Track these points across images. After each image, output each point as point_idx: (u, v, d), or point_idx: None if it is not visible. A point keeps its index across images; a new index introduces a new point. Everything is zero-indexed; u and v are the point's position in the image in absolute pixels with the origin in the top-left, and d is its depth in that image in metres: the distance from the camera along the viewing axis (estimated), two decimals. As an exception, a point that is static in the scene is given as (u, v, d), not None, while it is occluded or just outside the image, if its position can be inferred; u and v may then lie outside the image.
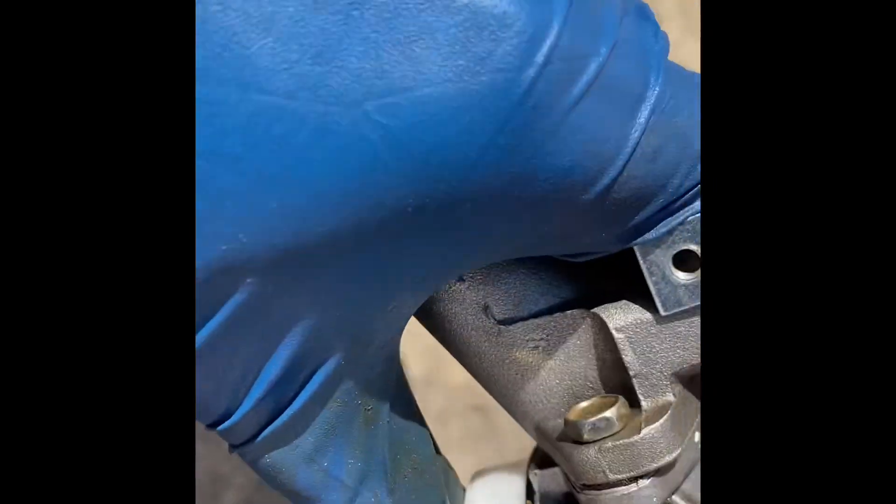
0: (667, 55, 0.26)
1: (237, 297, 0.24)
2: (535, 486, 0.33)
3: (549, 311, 0.31)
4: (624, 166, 0.25)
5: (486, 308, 0.31)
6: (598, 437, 0.29)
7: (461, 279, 0.31)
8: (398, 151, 0.23)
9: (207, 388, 0.26)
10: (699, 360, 0.28)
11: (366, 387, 0.28)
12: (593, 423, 0.29)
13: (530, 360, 0.31)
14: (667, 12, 1.02)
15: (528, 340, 0.31)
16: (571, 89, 0.23)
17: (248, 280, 0.24)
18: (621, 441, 0.29)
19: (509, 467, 0.35)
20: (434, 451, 0.33)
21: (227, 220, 0.23)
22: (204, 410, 0.27)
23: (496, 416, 0.84)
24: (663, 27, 0.27)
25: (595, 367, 0.31)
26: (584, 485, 0.30)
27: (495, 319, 0.31)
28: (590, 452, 0.29)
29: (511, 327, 0.31)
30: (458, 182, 0.24)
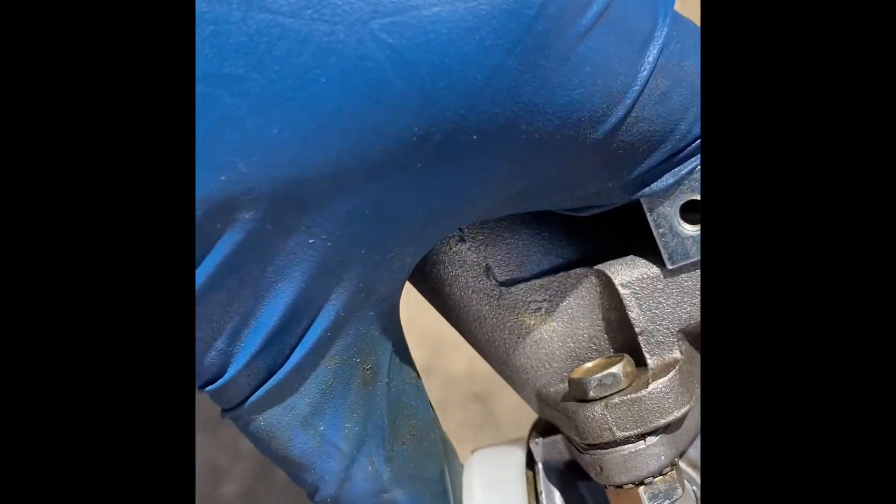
0: (674, 1, 0.26)
1: (234, 235, 0.23)
2: (537, 456, 0.32)
3: (552, 271, 0.31)
4: (632, 105, 0.25)
5: (487, 269, 0.31)
6: (605, 394, 0.28)
7: (462, 239, 0.31)
8: (405, 72, 0.22)
9: (200, 340, 0.25)
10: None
11: (365, 343, 0.27)
12: (599, 379, 0.28)
13: (532, 322, 0.31)
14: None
15: (530, 302, 0.31)
16: (581, 18, 0.23)
17: (247, 216, 0.23)
18: (628, 396, 0.28)
19: (508, 442, 0.34)
20: (434, 417, 0.32)
21: (226, 147, 0.22)
22: (199, 369, 0.26)
23: (495, 404, 0.85)
24: None
25: (599, 328, 0.30)
26: (589, 444, 0.29)
27: (497, 281, 0.31)
28: (596, 409, 0.28)
29: (513, 289, 0.31)
30: (465, 109, 0.23)
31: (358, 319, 0.27)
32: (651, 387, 0.28)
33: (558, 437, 0.31)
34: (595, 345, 0.31)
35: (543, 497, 0.31)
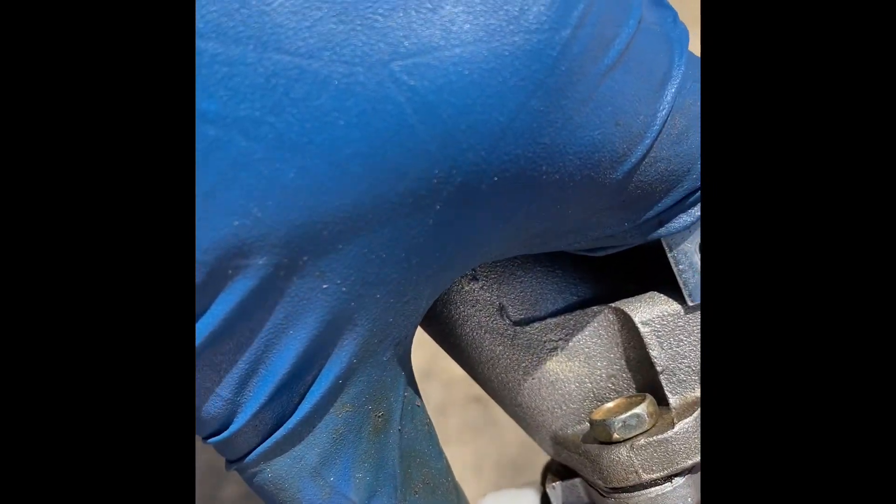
0: (688, 42, 0.26)
1: (246, 282, 0.22)
2: (554, 501, 0.31)
3: (568, 309, 0.30)
4: (651, 145, 0.25)
5: (500, 308, 0.30)
6: (630, 436, 0.28)
7: (475, 278, 0.30)
8: (426, 114, 0.22)
9: (205, 391, 0.24)
10: None
11: (377, 389, 0.27)
12: (623, 421, 0.28)
13: (548, 362, 0.30)
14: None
15: (545, 342, 0.30)
16: (603, 57, 0.23)
17: (260, 261, 0.22)
18: (654, 438, 0.27)
19: (520, 486, 0.33)
20: (446, 464, 0.31)
21: (241, 191, 0.21)
22: (198, 419, 0.25)
23: (495, 407, 0.84)
24: None
25: (618, 367, 0.30)
26: (613, 488, 0.28)
27: (510, 320, 0.30)
28: (621, 452, 0.28)
29: (527, 328, 0.30)
30: (486, 151, 0.22)
31: (371, 365, 0.26)
32: (677, 427, 0.27)
33: (576, 480, 0.31)
34: (614, 384, 0.30)
35: None
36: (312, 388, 0.25)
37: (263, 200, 0.22)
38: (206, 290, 0.22)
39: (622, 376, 0.30)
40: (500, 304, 0.30)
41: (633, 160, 0.25)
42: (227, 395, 0.24)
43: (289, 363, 0.24)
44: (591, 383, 0.30)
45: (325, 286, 0.23)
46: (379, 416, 0.27)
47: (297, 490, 0.26)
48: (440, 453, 0.30)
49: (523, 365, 0.30)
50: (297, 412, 0.25)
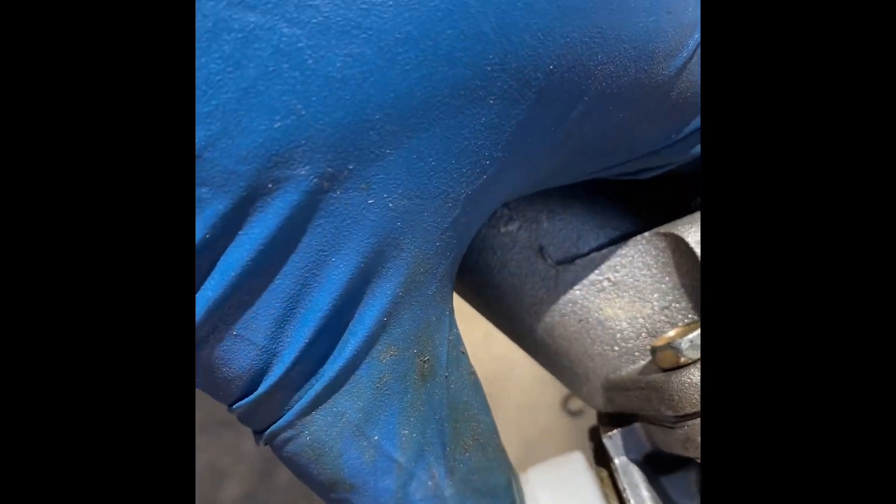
0: None
1: (287, 198, 0.20)
2: (613, 451, 0.29)
3: (612, 242, 0.29)
4: (699, 42, 0.24)
5: (540, 249, 0.29)
6: (698, 356, 0.26)
7: (511, 219, 0.29)
8: None
9: (235, 341, 0.22)
10: None
11: (422, 330, 0.24)
12: (691, 340, 0.26)
13: (596, 301, 0.28)
14: None
15: (591, 280, 0.28)
16: None
17: (302, 171, 0.20)
18: None
19: (559, 456, 0.31)
20: (494, 421, 0.28)
21: (284, 86, 0.19)
22: (224, 379, 0.22)
23: (498, 408, 0.84)
24: None
25: (671, 297, 0.28)
26: (685, 415, 0.26)
27: (552, 260, 0.29)
28: (692, 374, 0.26)
29: (570, 267, 0.28)
30: (542, 33, 0.21)
31: (416, 301, 0.24)
32: None
33: (635, 424, 0.29)
34: (668, 317, 0.29)
35: (629, 493, 0.28)
36: (355, 328, 0.23)
37: (308, 96, 0.20)
38: (243, 211, 0.20)
39: (675, 307, 0.29)
40: (539, 245, 0.29)
41: (684, 55, 0.24)
42: (262, 342, 0.22)
43: (331, 298, 0.22)
44: (643, 318, 0.29)
45: (370, 201, 0.22)
46: (424, 362, 0.25)
47: (339, 454, 0.24)
48: (488, 407, 0.28)
49: (569, 307, 0.29)
50: (338, 356, 0.23)
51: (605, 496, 0.29)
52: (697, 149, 0.26)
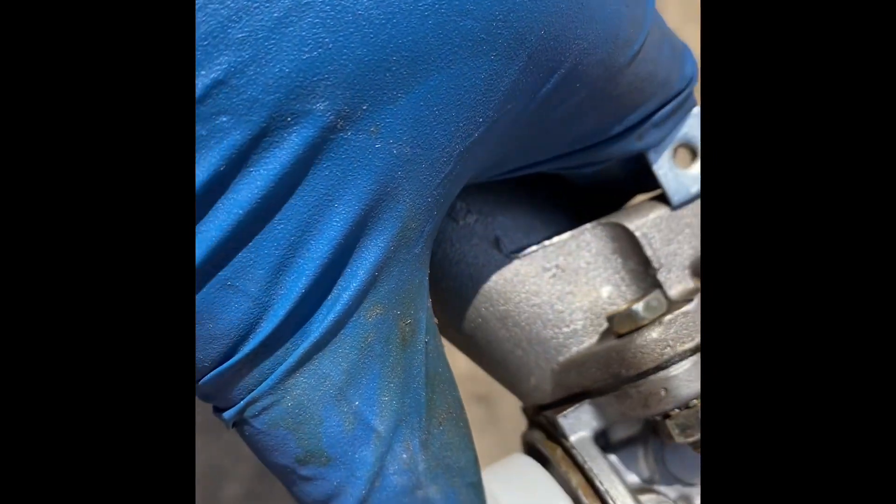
0: None
1: (304, 132, 0.21)
2: (568, 429, 0.31)
3: (559, 233, 0.31)
4: (646, 38, 0.27)
5: (496, 241, 0.31)
6: (656, 315, 0.29)
7: (469, 212, 0.31)
8: None
9: (226, 291, 0.22)
10: None
11: (406, 291, 0.25)
12: (647, 302, 0.29)
13: (548, 287, 0.31)
14: (665, -1, 1.03)
15: (542, 268, 0.31)
16: None
17: (321, 106, 0.21)
18: (679, 311, 0.29)
19: (507, 459, 0.32)
20: (460, 397, 0.28)
21: (315, 18, 0.21)
22: (209, 336, 0.22)
23: (498, 406, 0.84)
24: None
25: (619, 277, 0.31)
26: (644, 371, 0.29)
27: (507, 250, 0.31)
28: (651, 333, 0.29)
29: (523, 255, 0.31)
30: None
31: (403, 259, 0.24)
32: (696, 300, 0.29)
33: (586, 402, 0.31)
34: (620, 293, 0.31)
35: (590, 465, 0.30)
36: (346, 281, 0.23)
37: (336, 30, 0.21)
38: (259, 144, 0.21)
39: (623, 289, 0.31)
40: (495, 236, 0.31)
41: (635, 47, 0.26)
42: (255, 293, 0.22)
43: (329, 246, 0.22)
44: (590, 302, 0.31)
45: (377, 145, 0.22)
46: (406, 325, 0.25)
47: (320, 421, 0.24)
48: (455, 382, 0.28)
49: (523, 294, 0.31)
50: (328, 312, 0.23)
51: (565, 474, 0.30)
52: (635, 145, 0.29)
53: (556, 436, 0.31)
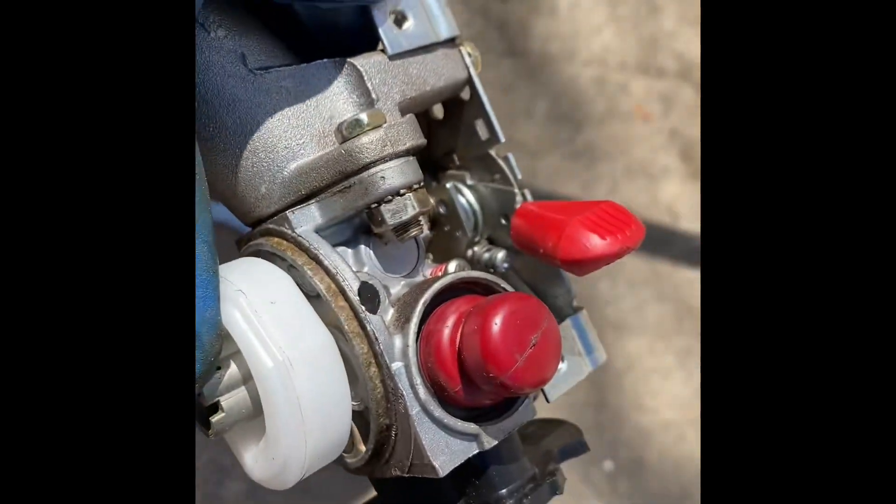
0: None
1: None
2: (295, 222, 0.35)
3: (298, 62, 0.36)
4: None
5: (242, 57, 0.35)
6: (378, 123, 0.35)
7: (220, 26, 0.35)
8: None
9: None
10: (414, 93, 0.38)
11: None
12: (370, 112, 0.35)
13: (284, 104, 0.36)
14: (662, 0, 1.02)
15: (280, 87, 0.36)
16: None
17: None
18: (393, 122, 0.35)
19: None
20: None
21: None
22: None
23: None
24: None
25: (342, 107, 0.37)
26: (368, 164, 0.35)
27: (251, 67, 0.35)
28: (374, 134, 0.35)
29: (265, 74, 0.35)
30: None
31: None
32: (407, 116, 0.36)
33: (311, 202, 0.35)
34: (335, 121, 0.36)
35: (316, 246, 0.34)
36: None
37: None
38: None
39: (343, 115, 0.37)
40: (241, 52, 0.36)
41: None
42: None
43: None
44: (319, 121, 0.36)
45: None
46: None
47: None
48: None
49: (260, 105, 0.36)
50: None
51: (291, 258, 0.34)
52: None
53: (282, 232, 0.35)
